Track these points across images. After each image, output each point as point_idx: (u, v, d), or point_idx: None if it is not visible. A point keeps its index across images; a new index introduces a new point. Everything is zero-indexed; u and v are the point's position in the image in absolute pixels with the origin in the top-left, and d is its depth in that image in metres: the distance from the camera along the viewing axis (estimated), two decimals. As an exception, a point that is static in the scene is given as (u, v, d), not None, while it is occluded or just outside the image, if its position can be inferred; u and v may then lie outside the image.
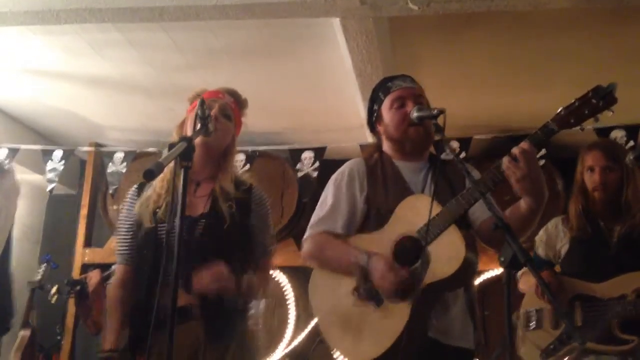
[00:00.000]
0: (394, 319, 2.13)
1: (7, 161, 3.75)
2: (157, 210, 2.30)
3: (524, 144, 2.02)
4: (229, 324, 2.29)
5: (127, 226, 2.42)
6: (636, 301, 2.90)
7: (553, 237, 3.27)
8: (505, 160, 2.03)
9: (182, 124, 2.48)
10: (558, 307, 2.79)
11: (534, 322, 3.11)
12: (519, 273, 3.27)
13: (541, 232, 3.32)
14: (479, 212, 2.27)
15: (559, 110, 1.98)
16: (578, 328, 2.90)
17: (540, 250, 3.30)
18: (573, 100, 1.96)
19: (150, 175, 1.58)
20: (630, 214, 3.07)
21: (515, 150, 2.01)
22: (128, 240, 2.40)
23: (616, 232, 3.09)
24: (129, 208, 2.43)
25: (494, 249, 2.34)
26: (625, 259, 3.01)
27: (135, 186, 2.48)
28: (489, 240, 2.32)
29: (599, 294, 2.99)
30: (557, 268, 3.29)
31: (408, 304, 2.12)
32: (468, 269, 2.19)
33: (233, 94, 2.54)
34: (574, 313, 2.99)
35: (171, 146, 1.68)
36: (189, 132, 2.27)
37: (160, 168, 1.59)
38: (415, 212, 2.20)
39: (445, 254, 2.12)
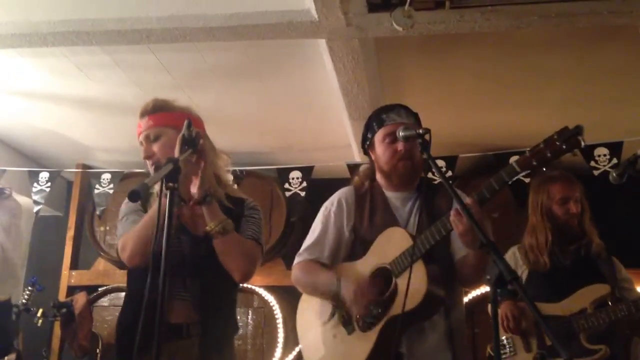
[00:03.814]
0: (362, 346, 2.21)
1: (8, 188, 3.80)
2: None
3: (469, 200, 2.06)
4: (222, 344, 2.29)
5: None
6: (596, 312, 3.04)
7: (513, 266, 3.31)
8: (452, 213, 2.09)
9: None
10: (546, 327, 2.81)
11: (507, 350, 3.19)
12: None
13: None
14: (458, 246, 2.32)
15: (527, 149, 2.00)
16: (564, 346, 2.93)
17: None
18: (539, 143, 1.97)
19: (135, 196, 1.58)
20: (584, 238, 3.25)
21: (458, 207, 2.04)
22: None
23: (569, 253, 3.24)
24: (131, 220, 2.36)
25: (463, 286, 2.46)
26: (579, 275, 3.17)
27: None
28: (458, 278, 2.35)
29: (561, 312, 3.10)
30: None
31: (373, 333, 2.18)
32: (434, 301, 2.22)
33: (189, 111, 2.50)
34: (542, 334, 3.11)
35: (157, 167, 1.69)
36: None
37: (145, 189, 1.59)
38: (390, 243, 2.28)
39: (410, 288, 2.12)
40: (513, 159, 2.14)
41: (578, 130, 1.86)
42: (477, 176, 4.68)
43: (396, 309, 2.17)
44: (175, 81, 4.05)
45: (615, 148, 4.28)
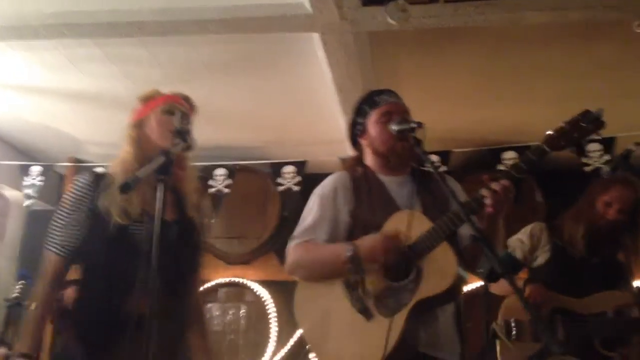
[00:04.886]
0: (384, 332, 2.09)
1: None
2: (128, 207, 2.18)
3: (504, 182, 2.04)
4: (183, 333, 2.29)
5: (75, 215, 2.26)
6: (616, 318, 2.99)
7: (535, 242, 3.29)
8: (490, 192, 2.05)
9: (139, 124, 2.41)
10: (537, 321, 2.81)
11: (514, 333, 3.12)
12: None
13: (523, 236, 3.33)
14: (464, 232, 2.29)
15: (549, 132, 2.02)
16: (557, 340, 2.92)
17: (519, 253, 3.29)
18: (562, 124, 1.99)
19: (126, 188, 1.57)
20: (618, 248, 3.21)
21: (496, 186, 2.03)
22: (73, 231, 2.25)
23: (601, 254, 3.18)
24: (82, 196, 2.27)
25: (472, 272, 2.39)
26: (602, 280, 3.11)
27: (89, 176, 2.32)
28: (467, 261, 2.32)
29: (579, 309, 3.04)
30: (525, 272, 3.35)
31: (399, 318, 2.11)
32: (459, 284, 2.20)
33: (189, 100, 2.49)
34: (555, 326, 3.03)
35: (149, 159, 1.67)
36: (158, 139, 2.26)
37: (136, 181, 1.58)
38: (404, 227, 2.17)
39: (438, 270, 2.10)
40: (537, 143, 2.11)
41: (600, 113, 1.93)
42: (470, 171, 4.67)
43: (422, 293, 2.10)
44: (167, 75, 4.03)
45: (607, 144, 4.30)
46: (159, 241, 1.64)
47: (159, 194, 1.64)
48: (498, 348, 3.15)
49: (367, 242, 2.19)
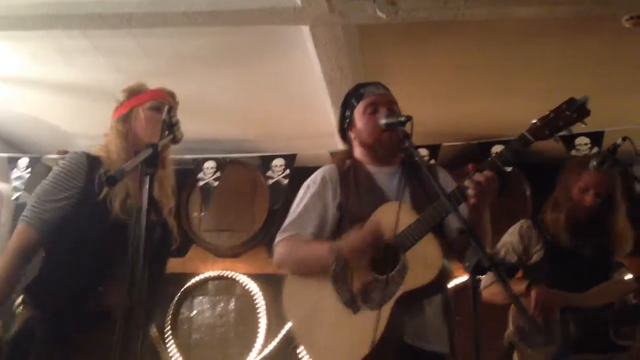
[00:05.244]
0: (370, 325, 2.11)
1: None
2: (128, 200, 2.20)
3: (488, 172, 2.05)
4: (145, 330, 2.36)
5: (62, 190, 2.22)
6: (626, 308, 2.99)
7: (527, 241, 3.24)
8: (472, 184, 2.05)
9: (126, 118, 2.41)
10: (528, 321, 2.80)
11: (531, 338, 3.06)
12: (485, 284, 3.22)
13: (512, 238, 3.28)
14: (453, 223, 2.29)
15: (534, 121, 2.02)
16: (543, 332, 2.93)
17: (513, 256, 3.23)
18: (547, 112, 2.00)
19: (112, 181, 1.56)
20: (613, 238, 3.14)
21: (478, 177, 2.03)
22: (55, 206, 2.20)
23: (588, 247, 3.13)
24: (73, 173, 2.25)
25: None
26: (596, 271, 3.08)
27: (82, 155, 2.29)
28: (455, 254, 2.33)
29: (586, 303, 3.00)
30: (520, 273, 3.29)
31: (384, 311, 2.11)
32: (444, 276, 2.19)
33: (173, 96, 2.51)
34: (568, 325, 2.99)
35: (136, 152, 1.66)
36: (145, 135, 2.25)
37: (122, 174, 1.57)
38: (391, 219, 2.18)
39: (423, 262, 2.11)
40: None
41: (585, 100, 1.94)
42: (460, 165, 4.68)
43: (408, 285, 2.11)
44: (156, 67, 4.01)
45: (596, 138, 4.32)
46: (145, 235, 1.63)
47: (146, 187, 1.63)
48: (516, 357, 3.11)
49: (349, 240, 2.21)
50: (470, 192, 2.04)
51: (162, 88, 2.48)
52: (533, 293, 3.02)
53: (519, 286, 3.11)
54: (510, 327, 3.16)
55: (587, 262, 3.10)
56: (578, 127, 2.09)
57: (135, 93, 2.44)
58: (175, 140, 2.02)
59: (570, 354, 2.91)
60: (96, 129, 4.97)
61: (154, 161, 1.67)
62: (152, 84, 2.50)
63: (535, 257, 3.22)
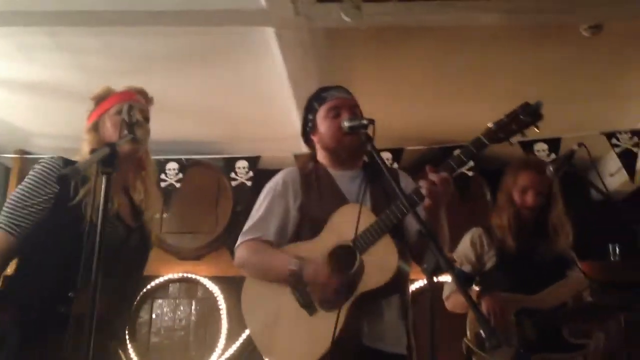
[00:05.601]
0: (327, 327, 2.12)
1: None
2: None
3: (444, 174, 2.07)
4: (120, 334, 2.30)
5: (36, 195, 2.18)
6: (579, 306, 3.04)
7: (479, 249, 3.27)
8: (427, 183, 2.07)
9: (95, 127, 2.37)
10: (485, 325, 2.83)
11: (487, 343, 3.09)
12: (446, 294, 3.30)
13: (465, 247, 3.30)
14: (413, 227, 2.31)
15: (489, 125, 2.06)
16: (496, 335, 2.96)
17: (468, 266, 3.25)
18: (502, 117, 2.04)
19: (64, 179, 1.53)
20: (556, 235, 3.18)
21: (433, 177, 2.06)
22: (30, 211, 2.16)
23: (538, 248, 3.17)
24: (47, 178, 2.20)
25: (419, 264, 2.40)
26: (547, 272, 3.12)
27: (58, 160, 2.26)
28: (415, 257, 2.35)
29: (540, 305, 3.05)
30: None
31: (341, 312, 2.12)
32: (401, 277, 2.22)
33: (144, 94, 2.47)
34: (525, 328, 3.03)
35: (93, 151, 1.63)
36: (111, 136, 2.22)
37: (76, 173, 1.54)
38: (349, 221, 2.19)
39: (379, 263, 2.13)
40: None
41: (538, 105, 1.98)
42: (423, 169, 4.72)
43: (364, 286, 2.13)
44: (120, 66, 3.95)
45: (554, 144, 4.42)
46: (102, 238, 1.61)
47: (104, 187, 1.60)
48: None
49: (313, 267, 2.21)
50: (424, 191, 2.06)
51: (129, 89, 2.42)
52: (483, 302, 3.06)
53: (473, 295, 3.13)
54: (468, 334, 3.18)
55: (539, 264, 3.14)
56: (534, 133, 2.13)
57: (101, 100, 2.40)
58: (136, 139, 1.99)
59: (529, 356, 2.96)
60: (58, 128, 4.94)
61: (112, 161, 1.63)
62: (116, 84, 2.46)
63: (489, 264, 3.25)
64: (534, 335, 3.01)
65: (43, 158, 2.27)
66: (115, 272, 2.12)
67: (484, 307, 3.05)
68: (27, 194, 2.19)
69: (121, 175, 2.22)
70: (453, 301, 3.28)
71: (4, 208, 2.20)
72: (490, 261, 3.25)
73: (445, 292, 3.33)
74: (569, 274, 3.15)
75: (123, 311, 2.26)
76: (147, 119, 2.39)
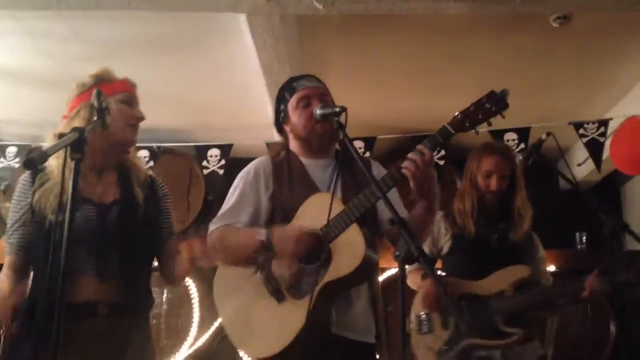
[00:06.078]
0: (296, 314, 2.14)
1: None
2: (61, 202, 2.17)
3: (423, 149, 2.09)
4: (133, 323, 2.25)
5: (18, 213, 2.23)
6: (514, 295, 3.05)
7: (436, 234, 3.32)
8: (406, 163, 2.10)
9: (76, 115, 2.33)
10: (449, 306, 2.87)
11: (425, 326, 3.17)
12: (408, 269, 3.31)
13: None
14: (385, 215, 2.32)
15: (456, 114, 2.08)
16: (465, 319, 3.01)
17: (426, 249, 3.26)
18: (469, 105, 2.06)
19: (30, 164, 1.51)
20: (521, 218, 3.22)
21: (413, 155, 2.08)
22: (19, 230, 2.23)
23: (497, 232, 3.22)
24: (20, 196, 2.25)
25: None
26: (503, 255, 3.16)
27: (28, 173, 2.27)
28: (393, 241, 2.37)
29: (480, 291, 3.10)
30: (439, 263, 3.40)
31: (308, 300, 2.13)
32: (369, 266, 2.23)
33: (124, 81, 2.54)
34: (462, 313, 3.07)
35: (61, 136, 1.61)
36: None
37: (43, 157, 1.52)
38: (319, 209, 2.20)
39: (346, 252, 2.14)
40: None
41: (504, 93, 2.00)
42: (394, 158, 4.76)
43: (331, 275, 2.14)
44: (88, 52, 3.88)
45: (523, 133, 4.48)
46: (70, 223, 1.58)
47: (73, 173, 1.58)
48: (412, 342, 3.20)
49: (282, 230, 2.23)
50: (406, 171, 2.09)
51: (113, 80, 2.51)
52: (424, 284, 3.17)
53: (417, 277, 3.26)
54: (411, 316, 3.24)
55: (495, 249, 3.19)
56: (506, 123, 2.16)
57: (82, 92, 2.38)
58: (105, 126, 1.96)
59: (461, 339, 3.03)
60: (25, 115, 4.84)
61: (80, 146, 1.61)
62: (85, 69, 2.43)
63: (445, 249, 3.31)
64: (469, 322, 3.07)
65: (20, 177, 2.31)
66: (105, 256, 2.14)
67: (423, 290, 3.16)
68: (12, 211, 2.26)
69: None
70: (410, 279, 3.32)
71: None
72: (446, 245, 3.30)
73: (408, 268, 3.34)
74: (525, 260, 3.18)
75: (132, 296, 2.21)
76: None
